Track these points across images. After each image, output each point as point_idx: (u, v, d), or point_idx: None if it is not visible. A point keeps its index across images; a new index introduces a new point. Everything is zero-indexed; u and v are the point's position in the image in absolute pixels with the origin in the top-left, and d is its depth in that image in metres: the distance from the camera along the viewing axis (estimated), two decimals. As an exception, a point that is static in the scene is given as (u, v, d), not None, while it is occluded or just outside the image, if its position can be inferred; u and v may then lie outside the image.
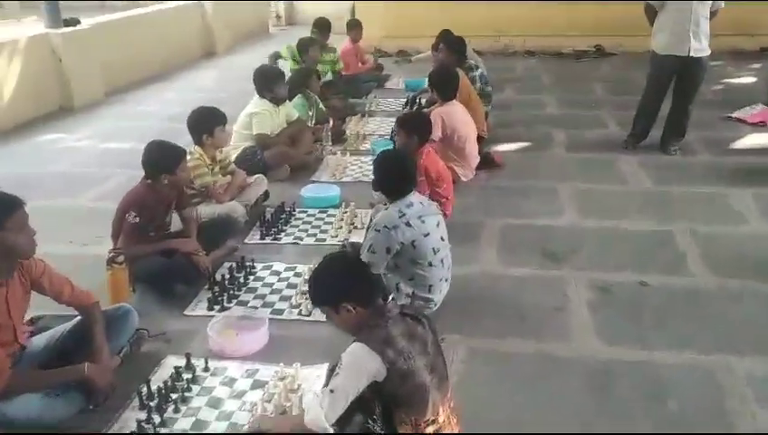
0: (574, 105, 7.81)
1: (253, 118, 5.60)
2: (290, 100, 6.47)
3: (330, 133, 6.21)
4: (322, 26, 8.15)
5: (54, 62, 7.87)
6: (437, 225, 3.48)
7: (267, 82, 5.69)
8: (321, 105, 6.63)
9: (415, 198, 3.42)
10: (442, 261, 3.45)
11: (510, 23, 11.15)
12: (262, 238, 4.44)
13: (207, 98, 8.42)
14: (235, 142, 5.67)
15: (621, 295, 3.68)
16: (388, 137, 6.39)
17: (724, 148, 6.20)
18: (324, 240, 4.40)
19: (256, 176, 5.00)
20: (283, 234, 4.50)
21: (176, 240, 3.93)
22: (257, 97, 5.74)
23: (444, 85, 5.34)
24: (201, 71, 10.58)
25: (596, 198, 5.05)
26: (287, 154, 5.64)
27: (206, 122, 4.57)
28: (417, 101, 7.69)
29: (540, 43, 11.21)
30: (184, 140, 5.06)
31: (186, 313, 3.57)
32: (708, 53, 5.77)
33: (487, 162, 5.71)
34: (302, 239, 4.41)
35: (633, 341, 3.27)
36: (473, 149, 5.46)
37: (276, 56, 7.89)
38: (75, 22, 8.33)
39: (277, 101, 5.73)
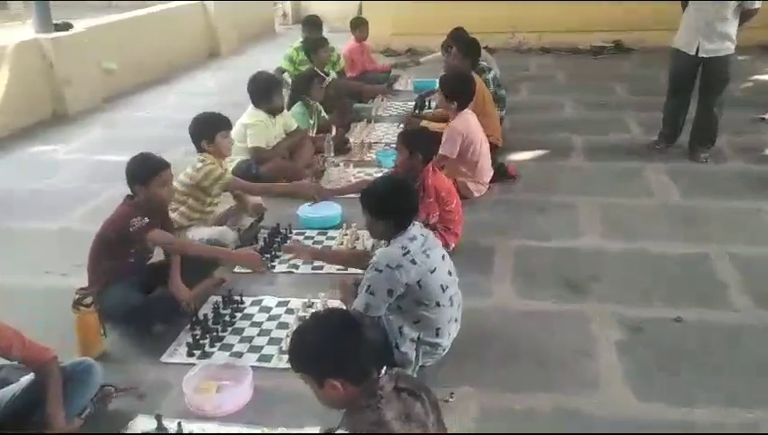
0: (593, 107, 7.35)
1: (247, 130, 5.23)
2: (290, 107, 6.10)
3: (332, 143, 5.81)
4: (313, 24, 7.75)
5: (45, 69, 7.52)
6: (443, 257, 3.07)
7: (262, 91, 5.32)
8: (322, 113, 6.23)
9: (416, 229, 3.02)
10: (451, 299, 3.04)
11: (524, 18, 10.66)
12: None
13: (209, 102, 8.11)
14: (232, 156, 5.29)
15: (654, 335, 3.25)
16: (395, 146, 5.97)
17: (758, 154, 5.73)
18: (321, 267, 4.01)
19: (256, 199, 4.61)
20: (277, 260, 4.11)
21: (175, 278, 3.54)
22: (252, 107, 5.35)
23: (461, 94, 4.91)
24: (205, 73, 10.21)
25: (620, 214, 4.61)
26: (284, 168, 5.24)
27: (207, 128, 4.24)
28: (427, 103, 7.29)
29: (555, 39, 10.73)
30: (184, 149, 4.67)
31: (163, 359, 3.19)
32: (726, 53, 5.37)
33: (501, 174, 5.28)
34: (297, 267, 4.01)
35: (670, 393, 2.85)
36: (486, 162, 5.04)
37: (281, 71, 7.42)
38: (67, 26, 7.98)
39: (273, 111, 5.34)
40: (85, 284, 3.41)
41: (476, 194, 4.99)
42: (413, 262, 2.89)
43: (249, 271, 3.95)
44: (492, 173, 5.10)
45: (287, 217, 4.61)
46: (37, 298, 3.76)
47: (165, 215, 3.69)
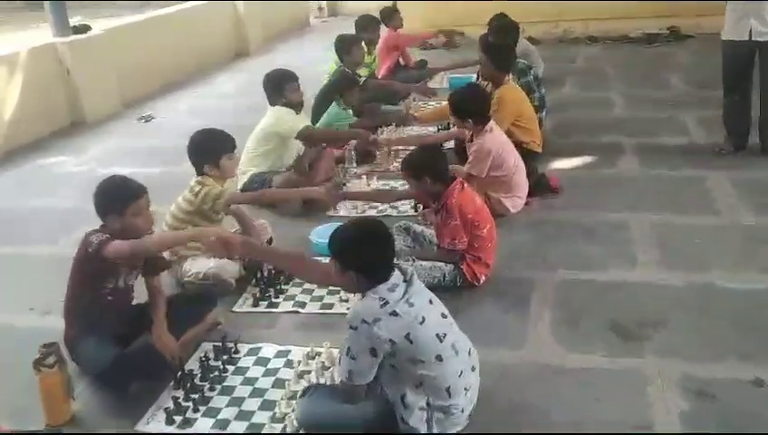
0: (646, 103, 6.63)
1: (276, 128, 4.80)
2: (321, 107, 5.61)
3: (354, 153, 5.29)
4: (369, 24, 7.11)
5: (62, 74, 7.20)
6: (430, 301, 2.52)
7: (276, 84, 4.90)
8: (350, 120, 5.70)
9: (396, 276, 2.44)
10: (454, 347, 2.48)
11: (569, 5, 9.91)
12: (255, 304, 3.55)
13: (230, 105, 7.73)
14: (244, 167, 4.84)
15: (728, 403, 2.63)
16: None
17: None
18: (332, 306, 3.50)
19: (260, 221, 4.12)
20: (282, 296, 3.61)
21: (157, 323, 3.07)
22: (270, 108, 4.90)
23: (473, 112, 4.29)
24: (230, 74, 9.79)
25: (680, 237, 3.97)
26: (299, 184, 4.74)
27: (211, 150, 3.77)
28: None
29: (603, 27, 9.95)
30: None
31: (138, 428, 2.73)
32: None
33: (541, 187, 4.68)
34: (303, 306, 3.51)
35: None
36: (522, 176, 4.45)
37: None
38: (85, 28, 7.65)
39: (293, 106, 4.88)
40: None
41: (513, 210, 4.41)
42: (394, 314, 2.35)
43: (249, 311, 3.49)
44: (527, 186, 4.51)
45: (297, 242, 4.12)
46: (18, 340, 3.36)
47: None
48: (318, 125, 5.44)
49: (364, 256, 2.41)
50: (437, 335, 2.41)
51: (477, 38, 6.33)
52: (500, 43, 5.38)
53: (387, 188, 4.94)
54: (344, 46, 6.28)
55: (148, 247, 2.98)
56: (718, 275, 3.52)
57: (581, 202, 4.51)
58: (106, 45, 7.75)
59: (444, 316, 2.51)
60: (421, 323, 2.37)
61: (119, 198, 2.97)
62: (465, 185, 3.51)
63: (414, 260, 3.48)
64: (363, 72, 6.96)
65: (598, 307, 3.32)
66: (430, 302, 2.50)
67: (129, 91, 8.14)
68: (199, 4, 10.38)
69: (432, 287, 3.16)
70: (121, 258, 2.91)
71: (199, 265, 3.65)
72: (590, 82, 7.67)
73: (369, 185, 5.02)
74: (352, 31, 6.97)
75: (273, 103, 4.86)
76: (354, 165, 5.28)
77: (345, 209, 4.68)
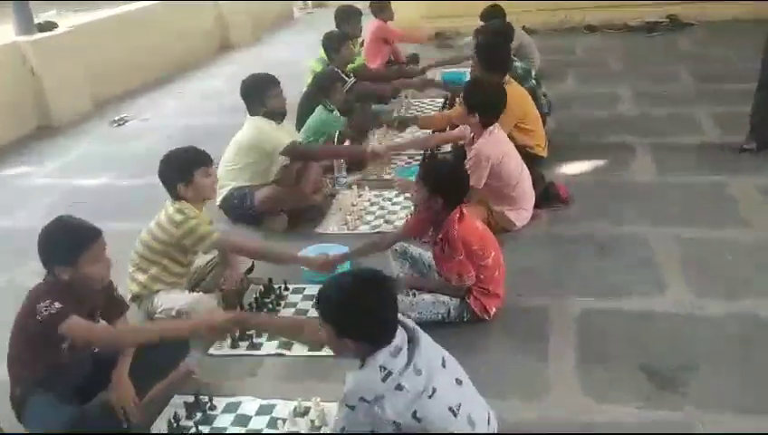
0: (654, 99, 6.20)
1: (257, 135, 4.29)
2: (304, 113, 5.15)
3: (343, 161, 4.83)
4: (350, 16, 6.59)
5: (26, 75, 6.69)
6: (443, 363, 2.08)
7: (255, 92, 4.37)
8: (340, 125, 5.24)
9: (399, 336, 2.00)
10: (470, 419, 2.04)
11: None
12: (234, 345, 3.11)
13: (214, 105, 7.25)
14: (222, 181, 4.38)
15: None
16: (420, 163, 4.99)
17: None
18: (321, 346, 3.05)
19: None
20: (264, 335, 3.17)
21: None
22: (249, 118, 4.42)
23: (488, 107, 3.87)
24: (214, 69, 9.28)
25: (708, 254, 3.56)
26: (284, 198, 4.30)
27: (182, 168, 3.29)
28: (458, 101, 6.27)
29: (602, 15, 9.51)
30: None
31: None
32: None
33: (549, 197, 4.26)
34: (289, 347, 3.07)
35: None
36: (526, 184, 4.03)
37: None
38: (51, 26, 7.14)
39: (273, 116, 4.38)
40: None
41: (519, 224, 3.99)
42: (399, 388, 1.92)
43: (228, 354, 3.06)
44: (533, 197, 4.08)
45: (280, 270, 3.66)
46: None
47: (108, 293, 2.77)
48: (305, 132, 4.99)
49: (363, 321, 1.97)
50: (451, 409, 1.98)
51: (473, 32, 5.94)
52: (490, 43, 4.84)
53: (379, 202, 4.53)
54: (333, 44, 5.78)
55: (116, 341, 2.57)
56: (760, 303, 3.11)
57: (594, 214, 4.10)
58: (75, 43, 7.23)
59: (458, 382, 2.08)
60: (431, 395, 1.94)
61: (69, 246, 2.49)
62: (465, 211, 3.07)
63: (414, 295, 3.06)
64: (358, 60, 6.52)
65: (626, 344, 2.91)
66: (443, 364, 2.06)
67: (102, 92, 7.64)
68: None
69: (436, 324, 2.77)
70: (79, 340, 2.47)
71: (171, 300, 3.21)
72: (593, 75, 7.24)
73: (359, 196, 4.59)
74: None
75: (252, 113, 4.36)
76: (344, 174, 4.83)
77: (335, 225, 4.25)
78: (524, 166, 4.05)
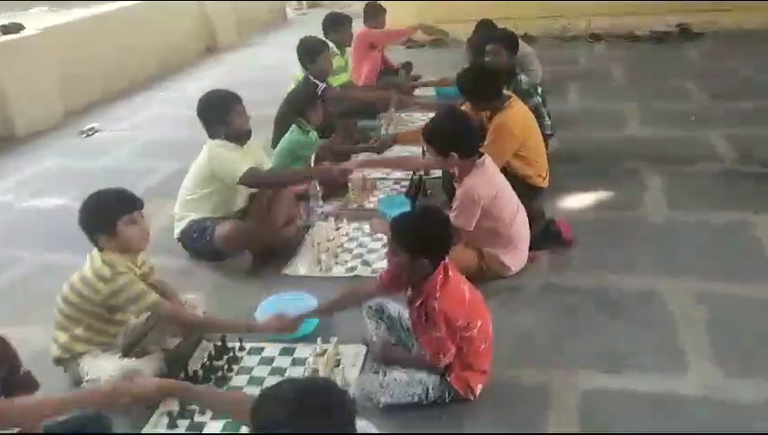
0: (664, 118, 5.71)
1: (212, 163, 3.78)
2: (283, 130, 4.66)
3: (319, 188, 4.33)
4: (338, 23, 6.08)
5: (-14, 83, 6.22)
6: None
7: (214, 111, 3.83)
8: (315, 145, 4.74)
9: None
10: None
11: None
12: (172, 424, 2.60)
13: (194, 114, 6.74)
14: (181, 212, 3.90)
15: None
16: (405, 191, 4.49)
17: None
18: None
19: (189, 297, 3.17)
20: (209, 413, 2.68)
21: None
22: (208, 142, 3.91)
23: (459, 142, 3.34)
24: (197, 73, 8.81)
25: (736, 316, 3.06)
26: (248, 235, 3.80)
27: (101, 217, 2.77)
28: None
29: (607, 23, 9.02)
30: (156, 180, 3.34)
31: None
32: None
33: (550, 237, 3.77)
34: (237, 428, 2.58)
35: None
36: (522, 221, 3.54)
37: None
38: (17, 28, 6.64)
39: (238, 137, 3.87)
40: None
41: (515, 269, 3.50)
42: None
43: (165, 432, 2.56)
44: (529, 234, 3.58)
45: (245, 316, 3.18)
46: None
47: (11, 366, 2.29)
48: (276, 155, 4.52)
49: None
50: None
51: (465, 38, 5.46)
52: (479, 76, 4.15)
53: (357, 237, 4.04)
54: (307, 53, 5.25)
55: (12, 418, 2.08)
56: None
57: (600, 259, 3.60)
58: (44, 47, 6.75)
59: None
60: None
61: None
62: (450, 269, 2.57)
63: (385, 374, 2.57)
64: (341, 78, 6.00)
65: (638, 437, 2.41)
66: None
67: (74, 99, 7.17)
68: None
69: (412, 406, 2.30)
70: None
71: (98, 368, 2.71)
72: (597, 89, 6.74)
73: (337, 229, 4.10)
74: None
75: (212, 135, 3.85)
76: (320, 203, 4.32)
77: (306, 266, 3.75)
78: (520, 203, 3.55)
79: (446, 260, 2.57)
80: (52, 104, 6.81)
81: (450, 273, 2.55)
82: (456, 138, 3.32)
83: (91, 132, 6.47)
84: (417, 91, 6.60)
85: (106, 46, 7.77)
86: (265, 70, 8.58)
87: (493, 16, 8.45)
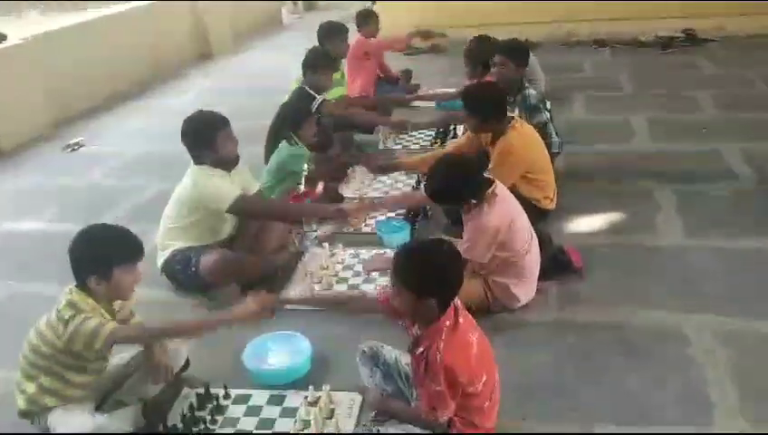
0: (675, 131, 5.46)
1: (197, 190, 3.53)
2: (275, 147, 4.42)
3: (313, 211, 4.08)
4: (334, 32, 5.75)
5: (-33, 96, 5.97)
6: None
7: (199, 135, 3.56)
8: (306, 160, 4.49)
9: None
10: None
11: (572, 4, 8.70)
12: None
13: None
14: (164, 240, 3.65)
15: None
16: (404, 215, 4.24)
17: None
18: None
19: (172, 343, 2.91)
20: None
21: None
22: (192, 167, 3.65)
23: (469, 190, 3.09)
24: (189, 82, 8.54)
25: (762, 357, 2.82)
26: (235, 267, 3.54)
27: (102, 258, 2.51)
28: (452, 131, 5.58)
29: (612, 29, 8.76)
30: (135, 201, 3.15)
31: None
32: None
33: (559, 266, 3.52)
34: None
35: None
36: (535, 250, 3.29)
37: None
38: (0, 38, 6.38)
39: (225, 164, 3.62)
40: None
41: (524, 300, 3.26)
42: None
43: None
44: (540, 265, 3.33)
45: (224, 368, 2.93)
46: None
47: None
48: (267, 173, 4.28)
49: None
50: None
51: (465, 42, 5.20)
52: (486, 93, 3.92)
53: (355, 261, 3.80)
54: (315, 63, 4.98)
55: None
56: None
57: (613, 291, 3.35)
58: (29, 56, 6.52)
59: None
60: None
61: None
62: (460, 313, 2.32)
63: (378, 430, 2.32)
64: (337, 91, 5.75)
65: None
66: None
67: (61, 111, 6.93)
68: (149, 4, 9.00)
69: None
70: None
71: (68, 424, 2.45)
72: (603, 99, 6.49)
73: (332, 255, 3.85)
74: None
75: (197, 160, 3.59)
76: (314, 227, 4.07)
77: (304, 288, 3.50)
78: (533, 232, 3.30)
79: (457, 303, 2.33)
80: (37, 116, 6.56)
81: (460, 318, 2.30)
82: (464, 190, 3.07)
83: (76, 147, 6.22)
84: (417, 103, 6.34)
85: (95, 54, 7.52)
86: (261, 76, 8.34)
87: (494, 21, 8.30)
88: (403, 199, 4.33)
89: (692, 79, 6.91)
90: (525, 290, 3.26)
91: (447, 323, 2.26)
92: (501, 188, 3.18)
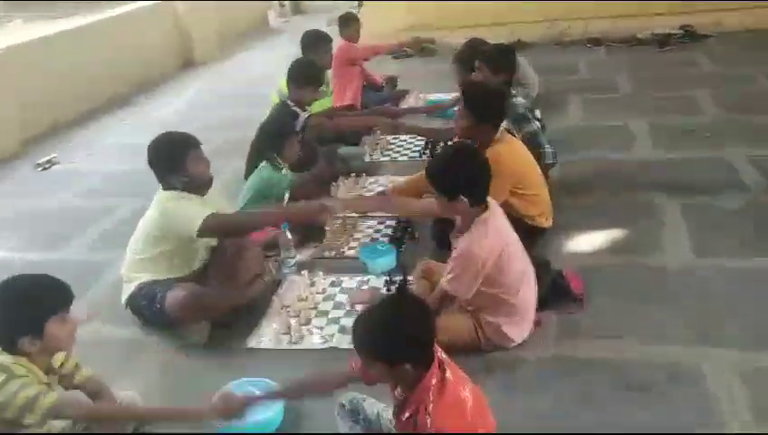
0: (677, 136, 5.15)
1: (165, 218, 3.22)
2: (249, 169, 4.13)
3: (290, 234, 3.75)
4: (317, 41, 5.53)
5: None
6: None
7: (167, 158, 3.27)
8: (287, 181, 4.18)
9: None
10: None
11: (566, 3, 8.40)
12: None
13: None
14: (130, 273, 3.35)
15: None
16: (390, 236, 3.94)
17: None
18: None
19: (125, 394, 2.59)
20: None
21: None
22: (159, 193, 3.35)
23: (473, 182, 2.80)
24: (172, 92, 8.21)
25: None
26: (205, 302, 3.22)
27: (30, 318, 2.20)
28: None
29: (607, 26, 8.46)
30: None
31: None
32: None
33: (558, 293, 3.22)
34: None
35: None
36: (531, 284, 2.99)
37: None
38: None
39: (197, 187, 3.32)
40: None
41: (518, 340, 2.95)
42: None
43: None
44: (536, 299, 3.02)
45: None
46: None
47: None
48: (244, 195, 3.98)
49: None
50: None
51: (454, 44, 4.91)
52: (488, 90, 3.68)
53: (334, 293, 3.50)
54: (301, 76, 4.67)
55: None
56: None
57: (618, 322, 3.05)
58: (2, 68, 6.20)
59: None
60: None
61: None
62: (448, 368, 2.02)
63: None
64: (324, 103, 5.46)
65: None
66: None
67: (35, 126, 6.61)
68: (128, 11, 8.69)
69: None
70: None
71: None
72: (600, 102, 6.19)
73: (311, 284, 3.55)
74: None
75: (166, 186, 3.29)
76: (292, 253, 3.77)
77: (273, 335, 3.19)
78: (529, 262, 3.00)
79: (441, 356, 2.03)
80: (8, 132, 6.24)
81: (448, 374, 2.00)
82: (468, 178, 2.76)
83: (48, 165, 5.91)
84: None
85: (72, 65, 7.20)
86: (247, 84, 8.05)
87: (485, 21, 8.02)
88: (392, 204, 3.95)
89: (692, 78, 6.63)
90: (519, 330, 2.95)
91: (434, 380, 1.96)
92: (494, 214, 2.87)
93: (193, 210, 3.18)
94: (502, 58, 4.35)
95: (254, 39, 11.11)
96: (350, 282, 3.57)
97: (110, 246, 4.08)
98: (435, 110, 5.76)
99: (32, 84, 6.61)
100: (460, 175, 2.75)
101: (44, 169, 5.87)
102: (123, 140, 6.46)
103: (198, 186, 3.32)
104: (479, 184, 2.79)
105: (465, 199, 2.75)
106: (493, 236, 2.78)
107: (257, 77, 8.14)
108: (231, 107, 7.02)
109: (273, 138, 4.07)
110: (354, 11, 7.40)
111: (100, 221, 4.66)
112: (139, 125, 6.84)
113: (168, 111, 7.35)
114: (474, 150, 2.97)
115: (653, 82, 6.61)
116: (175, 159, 3.24)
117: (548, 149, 4.11)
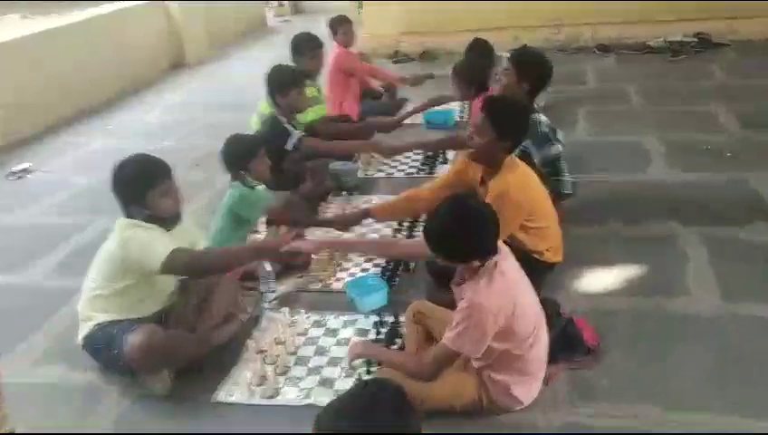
0: (694, 156, 4.77)
1: (126, 249, 2.83)
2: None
3: (270, 269, 3.37)
4: (308, 45, 5.12)
5: None
6: None
7: (130, 187, 2.88)
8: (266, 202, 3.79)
9: None
10: None
11: (574, 6, 8.02)
12: None
13: (148, 149, 5.77)
14: (87, 311, 2.97)
15: None
16: (382, 267, 3.56)
17: None
18: None
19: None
20: None
21: None
22: (121, 222, 2.96)
23: (481, 242, 2.40)
24: (159, 96, 7.84)
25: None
26: (168, 348, 2.83)
27: (132, 190, 2.66)
28: (441, 156, 4.95)
29: (615, 33, 8.08)
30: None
31: None
32: None
33: (569, 343, 2.83)
34: None
35: None
36: (543, 347, 2.60)
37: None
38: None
39: (163, 220, 2.94)
40: None
41: (527, 402, 2.57)
42: None
43: None
44: (547, 354, 2.64)
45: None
46: None
47: None
48: (216, 221, 3.58)
49: None
50: None
51: (456, 47, 4.54)
52: (512, 102, 3.26)
53: (316, 339, 3.12)
54: (282, 83, 4.27)
55: None
56: None
57: (639, 380, 2.67)
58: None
59: None
60: None
61: None
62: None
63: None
64: (317, 111, 5.06)
65: None
66: None
67: (13, 131, 6.25)
68: (115, 9, 8.29)
69: None
70: None
71: None
72: (610, 115, 5.80)
73: (292, 323, 3.17)
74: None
75: (129, 214, 2.93)
76: (272, 287, 3.39)
77: (243, 390, 2.81)
78: (542, 312, 2.62)
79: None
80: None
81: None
82: (478, 241, 2.38)
83: (21, 174, 5.53)
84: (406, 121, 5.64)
85: (53, 68, 6.85)
86: (239, 88, 7.64)
87: (489, 26, 7.63)
88: (380, 247, 3.54)
89: (707, 89, 6.25)
90: (529, 389, 2.57)
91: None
92: (504, 258, 2.49)
93: (156, 242, 2.81)
94: (536, 68, 3.87)
95: (251, 39, 10.74)
96: (335, 322, 3.19)
97: (77, 268, 3.67)
98: (426, 107, 5.35)
99: (11, 86, 6.26)
100: (469, 242, 2.37)
101: (19, 177, 5.50)
102: (103, 147, 6.09)
103: (164, 219, 2.94)
104: (490, 240, 2.41)
105: (478, 263, 2.38)
106: (504, 286, 2.39)
107: (249, 80, 7.71)
108: (217, 113, 6.65)
109: (238, 156, 3.61)
110: (353, 13, 7.07)
111: (68, 239, 4.30)
112: (124, 131, 6.49)
113: (155, 115, 6.99)
114: (473, 205, 2.51)
115: (666, 93, 6.23)
116: (137, 191, 2.87)
117: (567, 177, 3.72)
